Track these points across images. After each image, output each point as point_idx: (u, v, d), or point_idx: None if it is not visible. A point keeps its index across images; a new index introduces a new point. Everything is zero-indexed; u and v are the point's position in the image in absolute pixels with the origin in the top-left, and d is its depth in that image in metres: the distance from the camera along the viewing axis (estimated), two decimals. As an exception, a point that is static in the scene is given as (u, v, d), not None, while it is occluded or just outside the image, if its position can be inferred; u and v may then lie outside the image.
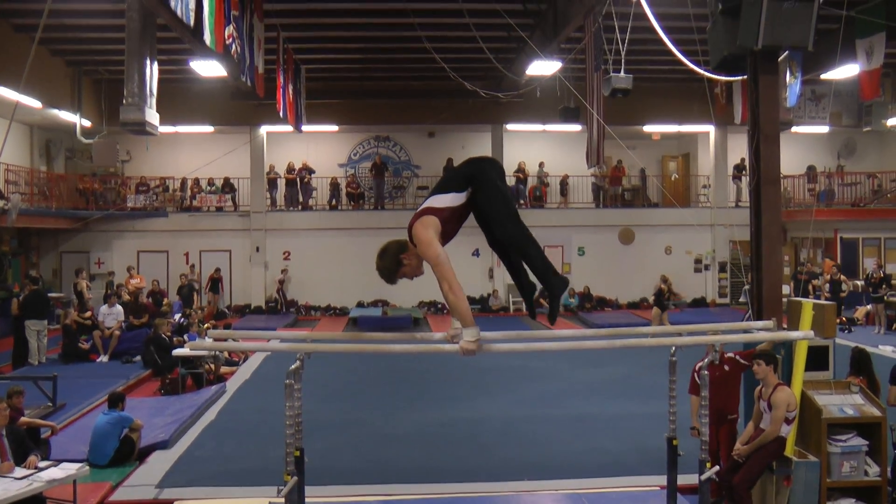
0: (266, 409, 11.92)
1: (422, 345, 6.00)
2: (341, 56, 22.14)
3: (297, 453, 5.92)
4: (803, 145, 27.53)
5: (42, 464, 7.98)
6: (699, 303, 26.78)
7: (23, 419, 9.07)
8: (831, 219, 25.22)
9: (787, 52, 12.38)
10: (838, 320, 16.47)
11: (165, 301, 21.18)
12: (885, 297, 20.34)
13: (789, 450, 7.59)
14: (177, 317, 19.00)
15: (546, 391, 14.02)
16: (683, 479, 7.35)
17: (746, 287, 9.23)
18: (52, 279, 25.15)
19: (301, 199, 26.88)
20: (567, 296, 26.06)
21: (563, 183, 27.72)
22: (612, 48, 13.88)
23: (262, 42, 15.10)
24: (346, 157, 28.86)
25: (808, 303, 8.01)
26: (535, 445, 10.56)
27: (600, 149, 15.78)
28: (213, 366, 15.18)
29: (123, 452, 9.91)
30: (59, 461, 8.34)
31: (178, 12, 10.00)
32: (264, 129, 26.20)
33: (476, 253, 24.99)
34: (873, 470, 7.60)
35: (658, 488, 8.27)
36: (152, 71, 12.12)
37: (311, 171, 26.79)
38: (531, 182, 27.64)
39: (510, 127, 26.85)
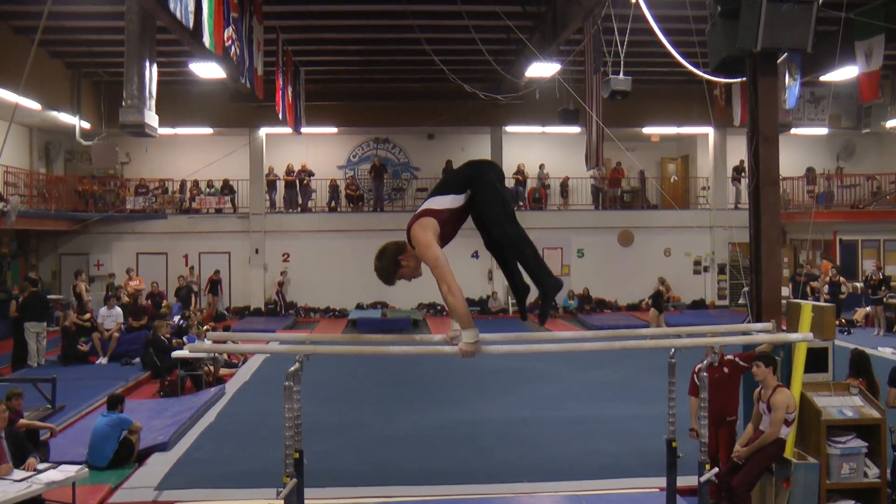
0: (265, 411, 11.92)
1: (421, 347, 6.00)
2: (340, 58, 22.14)
3: (297, 455, 5.92)
4: (802, 147, 27.53)
5: (41, 466, 7.98)
6: (698, 304, 26.79)
7: (22, 421, 9.07)
8: (830, 221, 25.22)
9: (786, 54, 12.38)
10: (837, 322, 16.49)
11: (165, 303, 21.17)
12: (885, 299, 20.34)
13: (789, 451, 7.59)
14: (176, 319, 19.00)
15: (545, 393, 14.02)
16: (683, 481, 7.35)
17: (746, 289, 9.21)
18: (51, 281, 25.14)
19: (300, 201, 26.88)
20: (566, 297, 26.11)
21: (564, 185, 27.73)
22: (612, 50, 13.89)
23: (262, 44, 15.10)
24: (345, 159, 28.87)
25: (807, 305, 8.02)
26: (535, 447, 10.56)
27: (599, 151, 15.80)
28: (212, 368, 15.18)
29: (122, 454, 9.91)
30: (58, 463, 8.35)
31: (178, 14, 9.99)
32: (263, 131, 26.20)
33: (475, 255, 24.98)
34: (873, 472, 7.60)
35: (657, 490, 8.27)
36: (152, 73, 12.13)
37: (310, 174, 26.79)
38: (531, 184, 27.64)
39: (509, 129, 26.87)
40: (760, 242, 8.65)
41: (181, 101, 23.54)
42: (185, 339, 16.31)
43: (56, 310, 20.98)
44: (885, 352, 16.43)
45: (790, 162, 25.14)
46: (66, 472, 7.99)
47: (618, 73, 13.61)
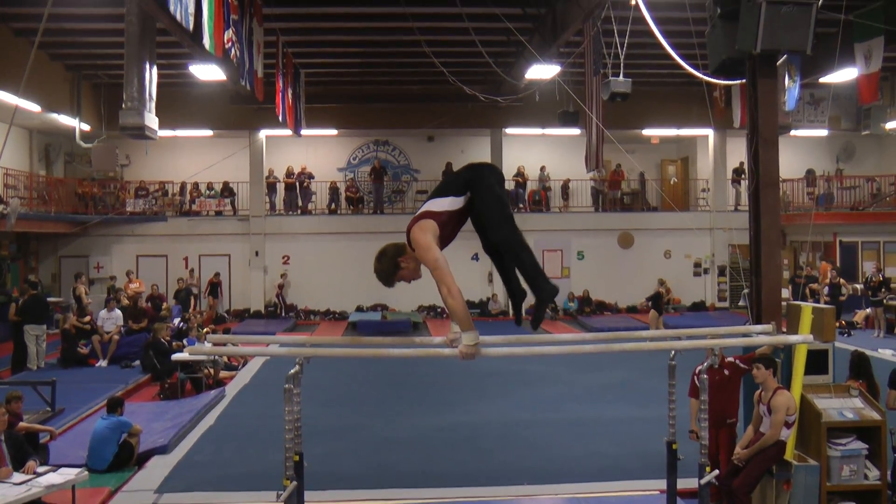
0: (265, 414, 11.91)
1: (421, 349, 6.00)
2: (340, 60, 22.15)
3: (297, 458, 5.92)
4: (802, 149, 27.54)
5: (41, 469, 7.97)
6: (698, 306, 26.78)
7: (21, 424, 9.06)
8: (830, 222, 25.21)
9: (785, 56, 12.39)
10: (837, 324, 16.49)
11: (165, 305, 21.17)
12: (885, 301, 20.34)
13: (789, 454, 7.58)
14: (176, 321, 19.00)
15: (545, 395, 14.02)
16: (683, 483, 7.35)
17: (746, 291, 9.21)
18: (51, 284, 25.16)
19: (300, 204, 26.89)
20: (566, 299, 26.12)
21: (565, 187, 27.73)
22: (611, 52, 13.89)
23: (262, 46, 15.10)
24: (345, 162, 28.87)
25: (807, 306, 8.01)
26: (535, 449, 10.56)
27: (599, 153, 15.80)
28: (212, 370, 15.16)
29: (122, 457, 9.89)
30: (58, 466, 8.34)
31: (178, 16, 9.99)
32: (263, 134, 26.22)
33: (475, 257, 24.97)
34: (873, 474, 7.59)
35: (658, 492, 8.27)
36: (151, 75, 12.12)
37: (310, 176, 26.80)
38: (532, 186, 27.64)
39: (509, 131, 26.88)
40: (760, 244, 8.64)
41: (181, 103, 23.53)
42: (184, 341, 16.31)
43: (56, 312, 20.97)
44: (886, 353, 16.42)
45: (790, 164, 25.13)
46: (66, 475, 7.98)
47: (617, 75, 13.60)
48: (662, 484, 7.51)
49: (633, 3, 11.31)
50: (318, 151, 27.87)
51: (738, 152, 24.37)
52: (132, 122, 11.92)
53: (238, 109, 23.82)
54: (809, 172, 27.44)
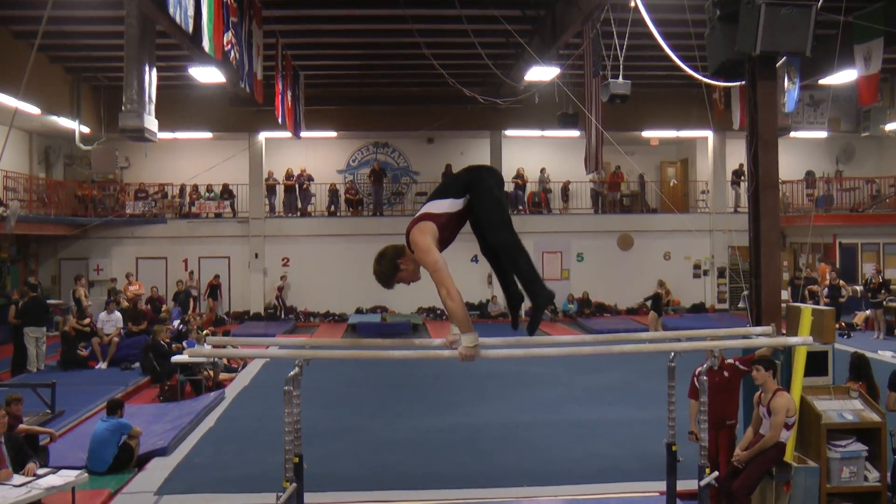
0: (265, 416, 11.91)
1: (420, 351, 6.01)
2: (340, 62, 22.15)
3: (296, 460, 5.92)
4: (802, 151, 27.55)
5: (40, 471, 7.97)
6: (698, 308, 26.77)
7: (21, 426, 9.06)
8: (830, 224, 25.22)
9: (785, 58, 12.38)
10: (837, 325, 16.48)
11: (164, 308, 21.17)
12: (884, 303, 20.34)
13: (789, 455, 7.58)
14: (175, 323, 18.99)
15: (545, 396, 14.02)
16: (683, 485, 7.35)
17: (745, 293, 9.22)
18: (50, 286, 25.15)
19: (300, 206, 26.89)
20: (566, 301, 26.13)
21: (565, 189, 27.74)
22: (611, 54, 13.88)
23: (261, 48, 15.11)
24: (344, 164, 28.88)
25: (806, 308, 8.01)
26: (535, 451, 10.56)
27: (599, 154, 15.78)
28: (211, 372, 15.16)
29: (122, 459, 9.89)
30: (58, 468, 8.34)
31: (177, 19, 10.00)
32: (263, 136, 26.22)
33: (475, 259, 24.91)
34: (873, 475, 7.59)
35: (658, 494, 8.27)
36: (151, 77, 12.12)
37: (309, 178, 26.80)
38: (532, 188, 27.64)
39: (509, 133, 26.87)
40: (760, 246, 8.64)
41: (181, 105, 23.53)
42: (184, 343, 16.30)
43: (56, 315, 20.97)
44: (885, 355, 16.42)
45: (789, 165, 25.14)
46: (66, 477, 7.98)
47: (617, 77, 13.60)
48: (662, 485, 7.51)
49: (633, 4, 11.32)
50: (318, 153, 27.87)
51: (737, 154, 24.41)
52: (132, 125, 11.92)
53: (237, 112, 23.82)
54: (809, 174, 27.46)
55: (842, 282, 21.28)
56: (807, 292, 20.11)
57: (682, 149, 29.56)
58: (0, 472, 7.64)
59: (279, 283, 26.17)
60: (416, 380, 15.51)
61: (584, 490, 8.90)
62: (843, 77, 17.19)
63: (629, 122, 24.35)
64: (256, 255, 26.35)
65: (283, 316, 25.80)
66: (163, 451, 10.37)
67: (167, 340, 15.80)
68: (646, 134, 26.97)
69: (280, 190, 26.99)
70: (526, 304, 5.42)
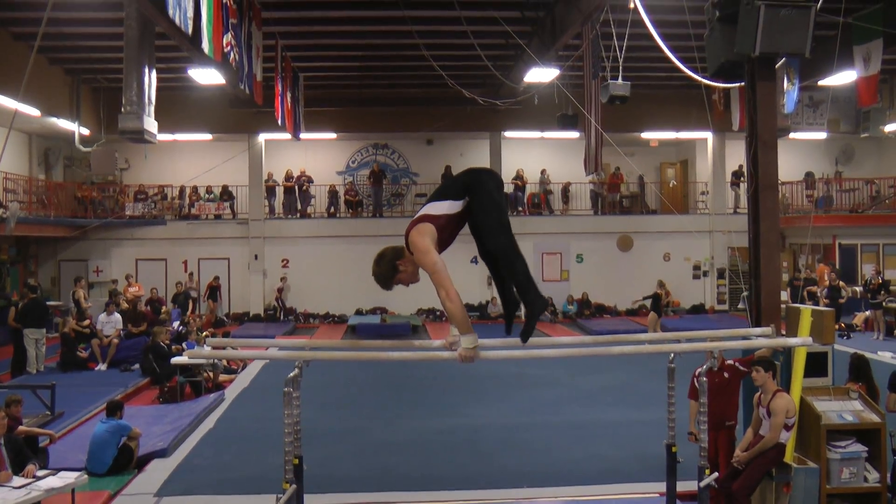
0: (265, 417, 11.90)
1: (420, 352, 6.01)
2: (339, 64, 22.15)
3: (296, 461, 5.92)
4: (801, 152, 27.55)
5: (40, 472, 7.96)
6: (698, 309, 26.76)
7: (21, 428, 9.06)
8: (830, 225, 25.21)
9: (784, 59, 12.38)
10: (837, 326, 16.47)
11: (164, 309, 21.16)
12: (884, 303, 20.34)
13: (789, 456, 7.58)
14: (175, 325, 18.99)
15: (545, 398, 14.01)
16: (683, 486, 7.35)
17: (745, 293, 9.22)
18: (50, 287, 25.15)
19: (299, 207, 26.89)
20: (566, 302, 26.13)
21: (565, 190, 27.75)
22: (610, 55, 13.89)
23: (261, 50, 15.12)
24: (344, 165, 28.87)
25: (806, 309, 8.02)
26: (534, 452, 10.56)
27: (598, 156, 15.79)
28: (211, 374, 15.16)
29: (122, 461, 9.90)
30: (58, 470, 8.34)
31: (177, 20, 10.01)
32: (262, 137, 26.23)
33: (474, 260, 24.82)
34: (873, 476, 7.59)
35: (657, 495, 8.26)
36: (151, 79, 12.11)
37: (309, 179, 26.80)
38: (533, 189, 27.63)
39: (508, 134, 26.88)
40: (759, 247, 8.65)
41: (180, 106, 23.52)
42: (184, 345, 16.30)
43: (55, 316, 20.97)
44: (885, 356, 16.42)
45: (789, 166, 25.14)
46: (66, 478, 7.98)
47: (616, 78, 13.60)
48: (662, 487, 7.51)
49: (632, 6, 11.32)
50: (317, 155, 27.87)
51: (737, 155, 24.45)
52: (131, 126, 11.91)
53: (237, 113, 23.83)
54: (808, 175, 27.46)
55: (841, 283, 21.27)
56: (805, 293, 20.12)
57: (681, 150, 29.57)
58: (0, 474, 7.63)
59: (279, 285, 26.17)
60: (416, 381, 15.50)
61: (584, 491, 8.90)
62: (843, 78, 17.19)
63: (629, 124, 24.35)
64: (256, 257, 26.35)
65: (282, 317, 25.79)
66: (162, 453, 10.36)
67: (167, 342, 15.79)
68: (645, 135, 26.97)
69: (280, 191, 27.00)
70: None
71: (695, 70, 11.31)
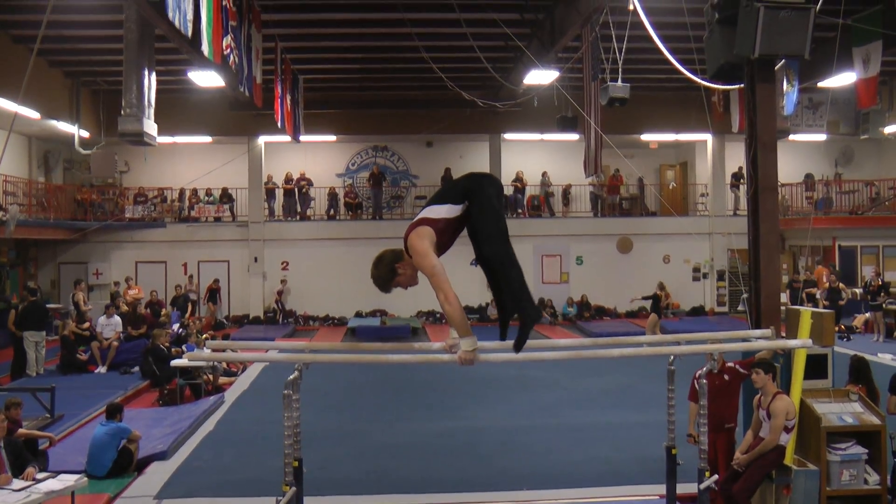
0: (264, 420, 11.90)
1: (420, 355, 6.01)
2: (339, 66, 22.16)
3: (296, 464, 5.92)
4: (801, 153, 27.54)
5: (40, 475, 7.96)
6: (698, 311, 26.77)
7: (21, 430, 9.06)
8: (829, 227, 25.22)
9: (783, 61, 12.40)
10: (837, 328, 16.48)
11: (164, 311, 21.17)
12: (884, 305, 20.34)
13: (788, 458, 7.58)
14: (175, 327, 18.98)
15: (544, 400, 14.00)
16: (683, 488, 7.36)
17: (745, 296, 9.22)
18: (50, 290, 25.13)
19: (299, 209, 26.89)
20: (565, 305, 26.13)
21: (566, 192, 27.75)
22: (610, 57, 13.90)
23: (260, 52, 15.13)
24: (343, 167, 28.87)
25: (806, 311, 8.01)
26: (534, 455, 10.54)
27: (598, 158, 15.80)
28: (211, 376, 15.15)
29: (121, 463, 9.89)
30: (57, 472, 8.33)
31: (176, 23, 10.01)
32: (262, 140, 26.22)
33: (474, 263, 24.82)
34: (873, 478, 7.59)
35: (657, 497, 8.25)
36: (150, 82, 12.14)
37: (309, 182, 26.80)
38: (534, 191, 27.62)
39: (508, 136, 26.87)
40: (759, 249, 8.65)
41: (180, 109, 23.54)
42: (183, 347, 16.29)
43: (55, 319, 20.97)
44: (885, 358, 16.42)
45: (788, 168, 25.15)
46: (65, 481, 7.97)
47: (616, 80, 13.61)
48: (662, 489, 7.51)
49: (632, 8, 11.33)
50: (317, 157, 27.87)
51: (736, 157, 24.44)
52: (131, 129, 11.93)
53: (237, 116, 23.84)
54: (808, 177, 27.47)
55: (841, 284, 21.27)
56: (804, 295, 20.12)
57: (681, 152, 29.57)
58: (0, 477, 7.64)
59: (278, 287, 26.15)
60: (416, 384, 15.49)
61: (584, 494, 8.89)
62: (842, 80, 17.19)
63: (628, 126, 24.34)
64: (256, 259, 26.34)
65: (282, 320, 25.76)
66: (162, 455, 10.35)
67: (166, 344, 15.79)
68: (645, 137, 26.96)
69: (279, 194, 26.99)
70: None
71: (694, 72, 11.32)
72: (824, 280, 21.80)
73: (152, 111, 12.25)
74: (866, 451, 7.59)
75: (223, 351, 7.67)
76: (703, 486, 6.43)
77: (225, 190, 26.56)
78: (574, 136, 22.26)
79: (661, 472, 7.30)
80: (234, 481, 9.51)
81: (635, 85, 15.11)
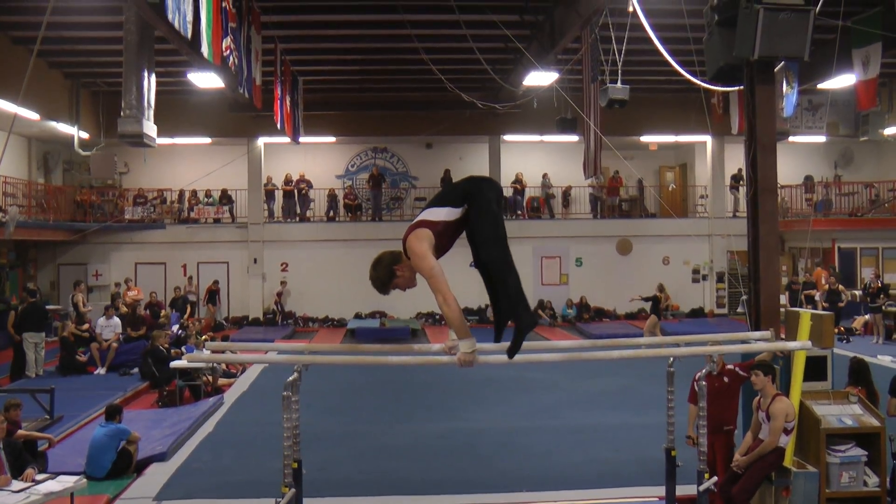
0: (264, 421, 11.89)
1: (419, 356, 6.00)
2: (339, 68, 22.17)
3: (295, 465, 5.93)
4: (800, 155, 27.55)
5: (39, 477, 7.96)
6: (697, 313, 26.76)
7: (20, 432, 9.05)
8: (829, 228, 25.24)
9: (783, 63, 12.41)
10: (836, 330, 16.49)
11: (163, 313, 21.16)
12: (883, 307, 20.34)
13: (788, 460, 7.57)
14: (174, 329, 18.98)
15: (544, 402, 14.01)
16: (682, 490, 7.36)
17: (744, 297, 9.21)
18: (49, 291, 25.13)
19: (298, 211, 26.89)
20: (565, 306, 26.13)
21: (566, 194, 27.75)
22: (609, 59, 13.91)
23: (260, 54, 15.13)
24: (343, 169, 28.88)
25: (805, 313, 8.01)
26: (534, 456, 10.55)
27: (597, 159, 15.81)
28: (210, 378, 15.15)
29: (121, 465, 9.88)
30: (57, 474, 8.33)
31: (176, 24, 10.01)
32: (262, 141, 26.22)
33: (473, 265, 24.94)
34: (872, 480, 7.58)
35: (657, 499, 8.25)
36: (150, 83, 12.14)
37: (308, 183, 26.81)
38: (534, 193, 27.62)
39: (507, 138, 26.88)
40: (759, 250, 8.65)
41: (180, 110, 23.54)
42: (183, 349, 16.29)
43: (54, 320, 20.97)
44: (885, 360, 16.42)
45: (788, 170, 25.13)
46: (65, 482, 7.97)
47: (615, 82, 13.62)
48: (661, 490, 7.51)
49: (631, 9, 11.34)
50: (317, 159, 27.89)
51: (736, 159, 24.44)
52: (131, 130, 11.94)
53: (236, 117, 23.85)
54: (808, 178, 27.48)
55: (841, 286, 21.28)
56: (804, 297, 20.12)
57: (680, 153, 29.58)
58: (-1, 478, 7.64)
59: (278, 289, 26.14)
60: (415, 385, 15.49)
61: (584, 495, 8.89)
62: (842, 81, 17.19)
63: (628, 127, 24.33)
64: (255, 261, 26.34)
65: (281, 321, 25.76)
66: (161, 457, 10.35)
67: (166, 346, 15.78)
68: (644, 139, 26.96)
69: (279, 195, 26.99)
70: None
71: (694, 74, 11.32)
72: (824, 282, 21.80)
73: (152, 112, 12.25)
74: (866, 453, 7.58)
75: (222, 352, 7.66)
76: (702, 487, 6.42)
77: (224, 191, 26.56)
78: (574, 138, 22.26)
79: (660, 474, 7.30)
80: (233, 483, 9.51)
81: (635, 86, 15.11)
